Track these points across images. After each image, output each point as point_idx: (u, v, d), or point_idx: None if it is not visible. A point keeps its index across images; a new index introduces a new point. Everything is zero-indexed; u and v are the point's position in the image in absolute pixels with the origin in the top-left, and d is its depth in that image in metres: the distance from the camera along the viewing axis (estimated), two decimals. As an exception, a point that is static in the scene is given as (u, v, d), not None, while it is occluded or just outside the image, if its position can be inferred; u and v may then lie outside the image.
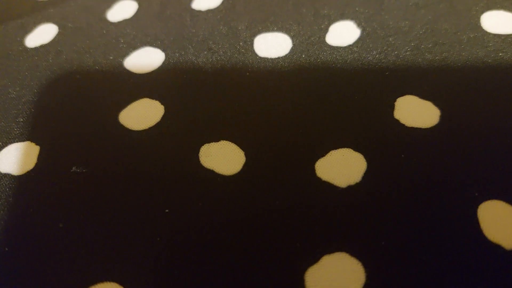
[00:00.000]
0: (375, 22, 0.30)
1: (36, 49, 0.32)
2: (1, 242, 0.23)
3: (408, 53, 0.28)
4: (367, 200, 0.23)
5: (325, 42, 0.30)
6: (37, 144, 0.26)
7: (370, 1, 0.31)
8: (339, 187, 0.23)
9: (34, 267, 0.22)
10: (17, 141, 0.27)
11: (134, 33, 0.32)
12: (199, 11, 0.32)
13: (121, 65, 0.30)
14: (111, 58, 0.30)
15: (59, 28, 0.33)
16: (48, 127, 0.27)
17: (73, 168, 0.25)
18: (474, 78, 0.27)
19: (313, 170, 0.24)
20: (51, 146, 0.26)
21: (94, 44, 0.31)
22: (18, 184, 0.25)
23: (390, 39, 0.29)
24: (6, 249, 0.23)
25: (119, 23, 0.33)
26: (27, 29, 0.33)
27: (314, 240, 0.22)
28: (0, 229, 0.23)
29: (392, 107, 0.26)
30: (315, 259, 0.21)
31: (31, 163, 0.26)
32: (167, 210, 0.23)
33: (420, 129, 0.25)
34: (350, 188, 0.23)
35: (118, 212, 0.23)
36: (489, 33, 0.28)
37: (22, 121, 0.28)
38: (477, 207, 0.22)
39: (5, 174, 0.25)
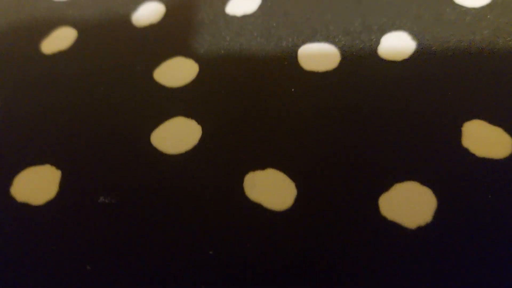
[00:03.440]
0: (432, 34, 0.27)
1: (53, 56, 0.28)
2: None
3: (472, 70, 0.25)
4: (440, 244, 0.20)
5: (377, 55, 0.27)
6: (58, 168, 0.23)
7: (427, 10, 0.28)
8: (408, 228, 0.20)
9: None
10: (34, 165, 0.24)
11: (162, 40, 0.29)
12: (234, 16, 0.29)
13: (150, 77, 0.27)
14: (138, 68, 0.27)
15: (78, 33, 0.30)
16: (70, 148, 0.24)
17: (101, 198, 0.22)
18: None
19: (377, 207, 0.21)
20: (74, 170, 0.23)
21: (118, 52, 0.28)
22: (38, 216, 0.22)
23: (450, 53, 0.26)
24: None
25: (145, 28, 0.29)
26: (43, 33, 0.30)
27: (383, 291, 0.19)
28: (19, 271, 0.20)
29: (459, 133, 0.23)
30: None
31: (52, 191, 0.23)
32: (211, 252, 0.20)
33: (492, 160, 0.22)
34: (420, 229, 0.20)
35: (154, 254, 0.20)
36: None
37: (39, 141, 0.24)
38: None
39: (22, 204, 0.22)
